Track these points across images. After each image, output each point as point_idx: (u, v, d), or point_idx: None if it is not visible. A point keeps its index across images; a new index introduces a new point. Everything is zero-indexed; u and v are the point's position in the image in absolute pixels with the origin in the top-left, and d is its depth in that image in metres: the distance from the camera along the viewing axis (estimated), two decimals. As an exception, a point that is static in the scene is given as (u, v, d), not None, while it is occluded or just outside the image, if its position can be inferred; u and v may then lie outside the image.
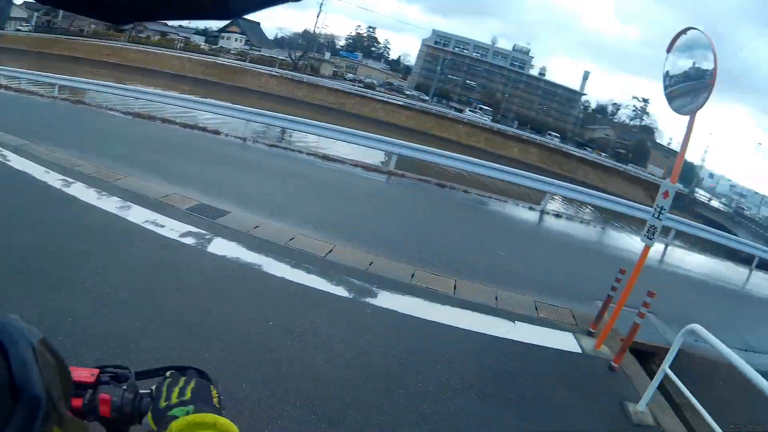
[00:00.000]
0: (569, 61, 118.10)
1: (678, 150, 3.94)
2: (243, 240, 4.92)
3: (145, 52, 41.31)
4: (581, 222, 10.81)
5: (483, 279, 5.31)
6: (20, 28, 47.27)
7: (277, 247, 4.93)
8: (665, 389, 3.60)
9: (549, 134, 52.16)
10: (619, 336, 4.27)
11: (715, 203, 44.07)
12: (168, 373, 0.68)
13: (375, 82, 55.79)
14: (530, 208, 10.74)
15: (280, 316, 3.58)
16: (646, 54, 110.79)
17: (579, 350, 4.09)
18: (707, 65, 3.42)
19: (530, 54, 62.44)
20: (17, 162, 6.16)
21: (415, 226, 7.06)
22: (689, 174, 50.29)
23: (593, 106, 68.04)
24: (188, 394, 0.62)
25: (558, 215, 10.67)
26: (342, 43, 69.78)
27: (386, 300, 4.26)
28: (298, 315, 3.66)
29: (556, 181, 10.57)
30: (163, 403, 0.61)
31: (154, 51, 42.13)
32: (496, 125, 46.34)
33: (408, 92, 54.82)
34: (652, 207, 3.93)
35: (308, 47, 54.89)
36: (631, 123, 62.54)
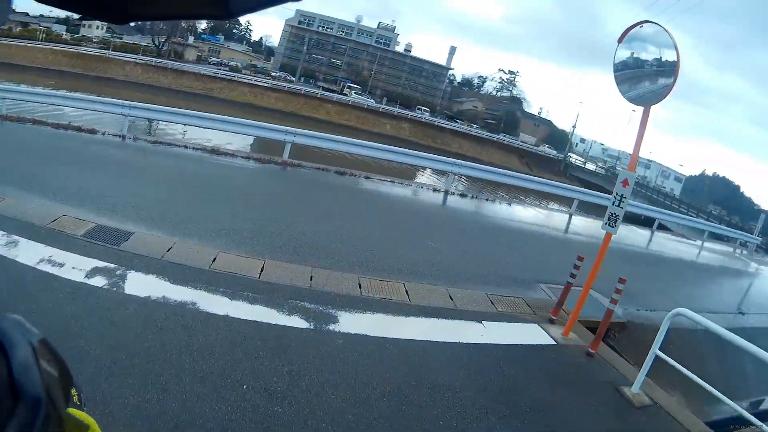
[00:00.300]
0: (436, 38, 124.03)
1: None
2: (161, 270, 3.83)
3: (6, 45, 35.05)
4: (487, 200, 11.34)
5: (429, 278, 5.06)
6: None
7: (203, 275, 3.96)
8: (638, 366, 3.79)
9: (419, 109, 54.45)
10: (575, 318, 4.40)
11: (591, 166, 50.03)
12: None
13: (239, 64, 53.19)
14: (435, 190, 10.90)
15: (250, 373, 2.77)
16: (509, 30, 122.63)
17: (552, 341, 4.11)
18: (667, 57, 3.51)
19: (396, 32, 63.95)
20: None
21: (337, 226, 6.43)
22: (562, 139, 57.58)
23: (459, 80, 73.33)
24: None
25: (463, 195, 11.03)
26: (203, 26, 64.05)
27: (349, 322, 3.71)
28: (268, 365, 2.89)
29: (458, 161, 10.83)
30: None
31: (16, 44, 36.76)
32: (368, 102, 47.09)
33: (274, 74, 53.06)
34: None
35: (171, 32, 49.11)
36: (499, 94, 68.17)
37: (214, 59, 56.08)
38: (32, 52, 35.92)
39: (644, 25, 3.70)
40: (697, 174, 70.63)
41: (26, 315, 0.36)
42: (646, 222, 14.01)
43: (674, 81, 3.50)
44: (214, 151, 9.12)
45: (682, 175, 64.16)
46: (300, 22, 60.93)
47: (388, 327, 3.79)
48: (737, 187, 67.28)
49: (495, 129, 56.62)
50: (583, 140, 72.39)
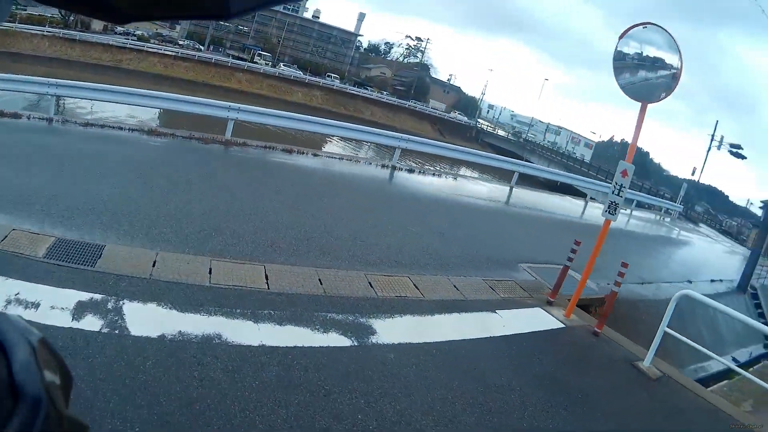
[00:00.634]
0: (346, 3, 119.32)
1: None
2: (158, 294, 3.24)
3: None
4: (434, 175, 11.49)
5: (430, 269, 5.07)
6: None
7: (207, 293, 3.46)
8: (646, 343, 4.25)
9: (328, 76, 52.77)
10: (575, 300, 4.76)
11: (501, 132, 51.57)
12: None
13: (146, 33, 48.17)
14: (382, 166, 10.78)
15: (337, 414, 2.51)
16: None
17: (560, 324, 4.41)
18: (670, 60, 3.75)
19: (304, -3, 60.45)
20: None
21: (315, 215, 6.03)
22: (472, 106, 58.89)
23: (366, 46, 71.70)
24: None
25: (410, 170, 11.07)
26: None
27: (387, 333, 3.55)
28: (340, 398, 2.65)
29: (405, 135, 10.79)
30: None
31: None
32: (278, 71, 44.82)
33: (181, 42, 49.20)
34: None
35: (73, 0, 41.40)
36: (407, 61, 68.10)
37: (120, 29, 49.88)
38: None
39: (647, 26, 3.90)
40: (606, 140, 77.20)
41: None
42: (562, 188, 15.45)
43: (676, 84, 3.78)
44: (153, 132, 7.87)
45: (591, 141, 67.51)
46: (204, -12, 54.78)
47: (423, 330, 3.72)
48: (647, 153, 72.47)
49: (405, 96, 57.24)
50: (491, 107, 75.86)
